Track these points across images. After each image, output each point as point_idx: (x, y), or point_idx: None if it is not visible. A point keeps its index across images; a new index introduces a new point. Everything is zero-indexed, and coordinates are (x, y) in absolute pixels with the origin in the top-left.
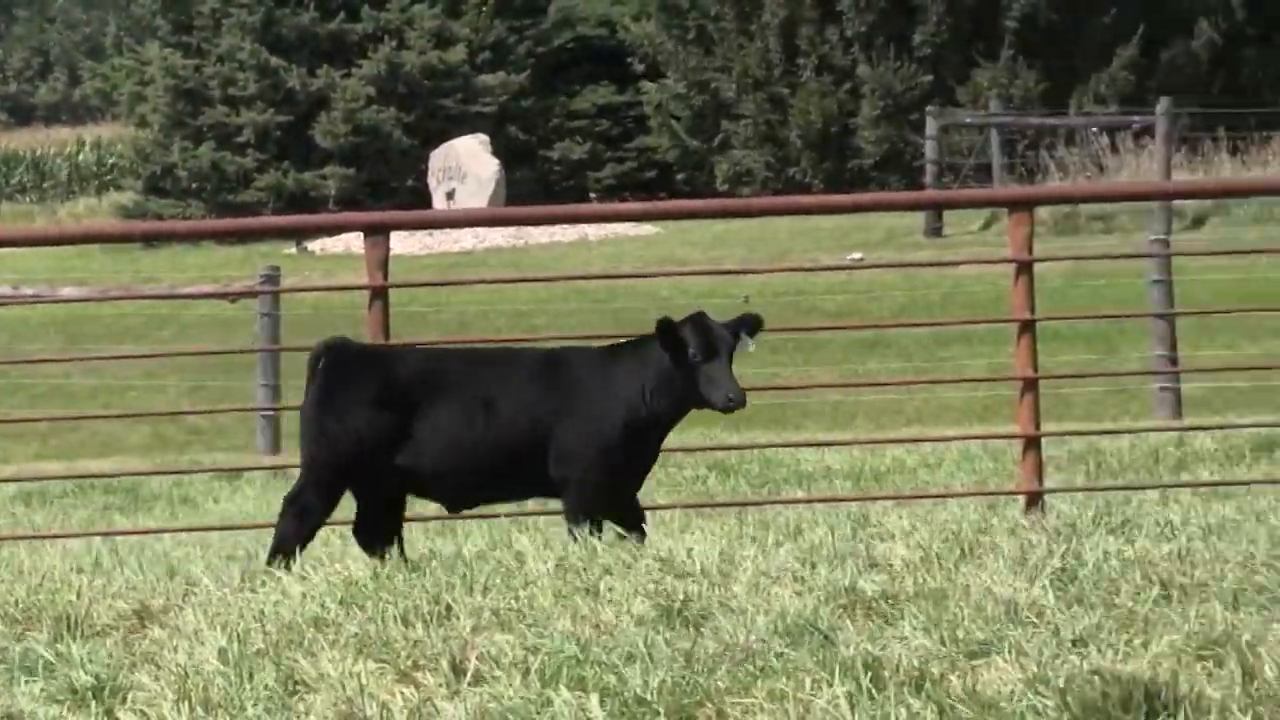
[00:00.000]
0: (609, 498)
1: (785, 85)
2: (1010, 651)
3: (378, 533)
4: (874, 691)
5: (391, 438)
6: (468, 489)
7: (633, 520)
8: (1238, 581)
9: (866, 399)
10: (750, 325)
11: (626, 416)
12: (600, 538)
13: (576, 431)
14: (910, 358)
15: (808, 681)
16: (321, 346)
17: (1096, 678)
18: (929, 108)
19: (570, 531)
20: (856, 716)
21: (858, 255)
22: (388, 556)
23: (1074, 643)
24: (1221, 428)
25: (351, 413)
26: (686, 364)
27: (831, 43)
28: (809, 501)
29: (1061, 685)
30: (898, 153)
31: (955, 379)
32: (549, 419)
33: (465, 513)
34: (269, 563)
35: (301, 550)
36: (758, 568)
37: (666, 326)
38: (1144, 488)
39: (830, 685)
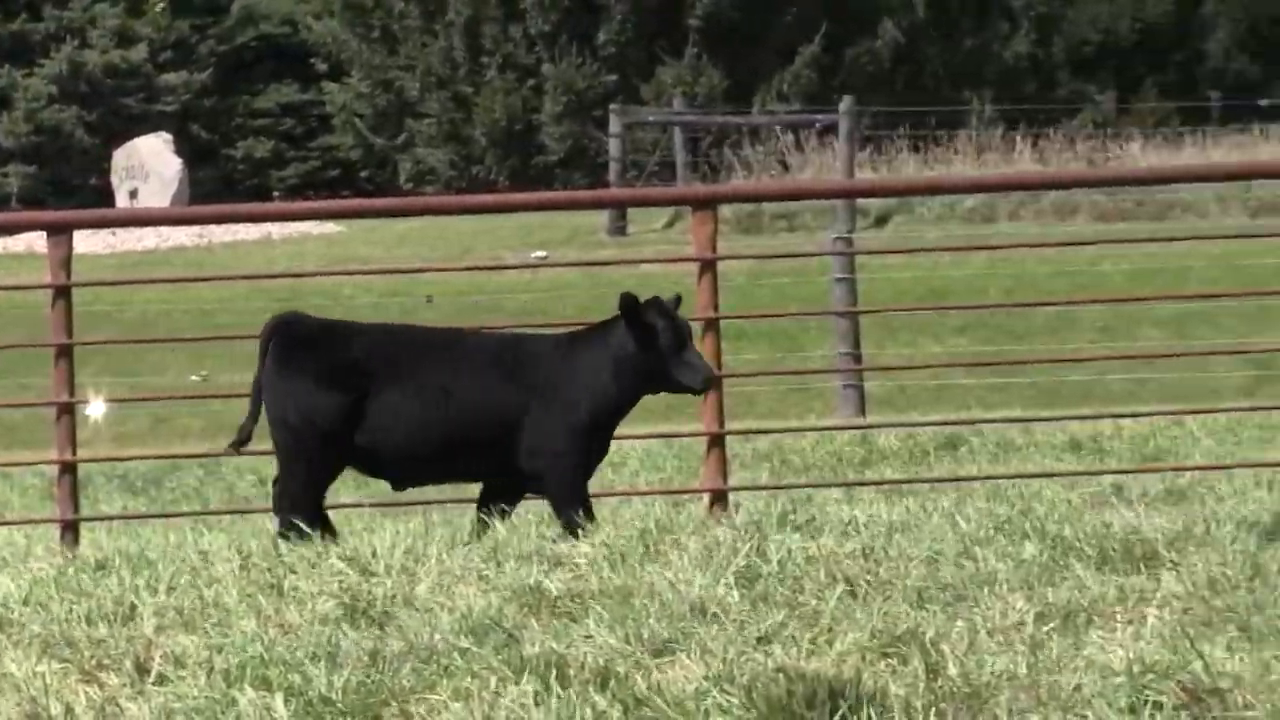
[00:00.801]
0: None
1: (469, 83)
2: (695, 649)
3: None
4: (559, 689)
5: (345, 415)
6: (419, 469)
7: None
8: (921, 579)
9: None
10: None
11: (593, 405)
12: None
13: (547, 422)
14: None
15: (493, 680)
16: (272, 322)
17: (781, 675)
18: (612, 106)
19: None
20: (542, 715)
21: (541, 254)
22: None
23: (759, 640)
24: (904, 425)
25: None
26: (656, 348)
27: (515, 41)
28: None
29: (746, 683)
30: (582, 150)
31: None
32: (515, 410)
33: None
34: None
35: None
36: (443, 566)
37: (632, 305)
38: (828, 485)
39: (516, 684)
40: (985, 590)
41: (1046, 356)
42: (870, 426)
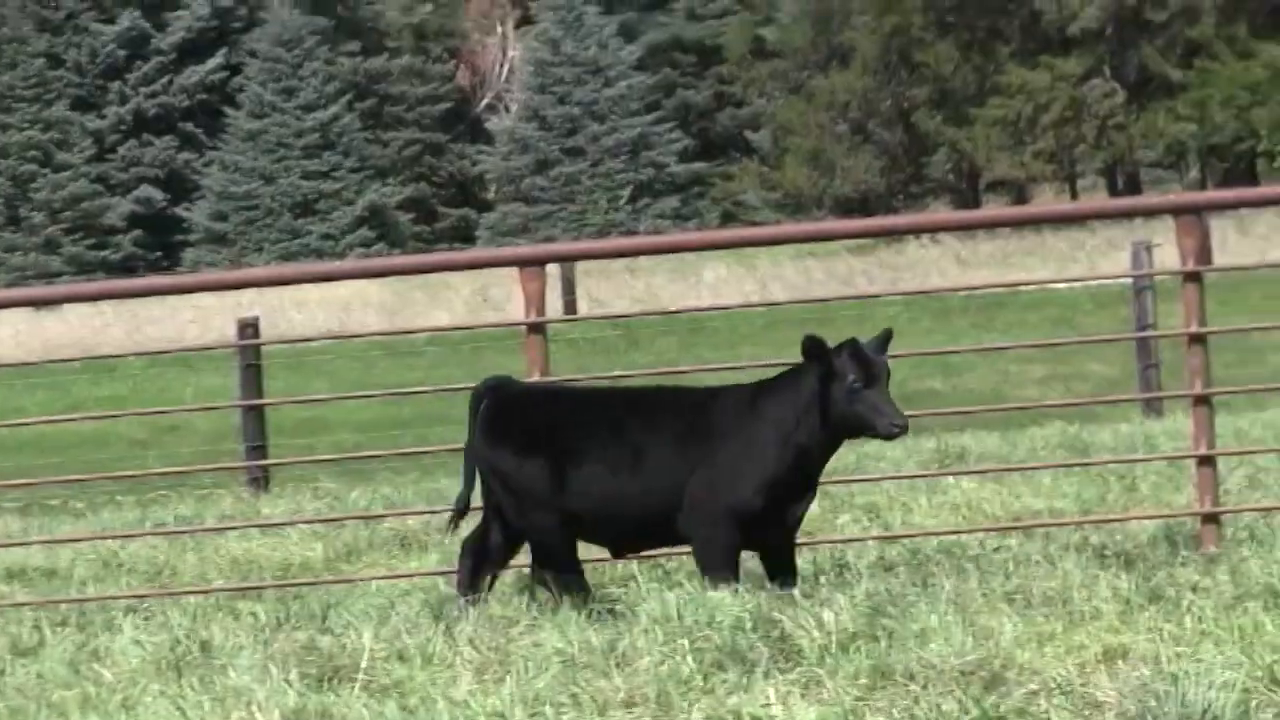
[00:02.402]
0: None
1: None
2: None
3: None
4: None
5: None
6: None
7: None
8: None
9: None
10: (887, 342)
11: (775, 457)
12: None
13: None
14: None
15: None
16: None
17: None
18: None
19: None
20: None
21: None
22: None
23: None
24: None
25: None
26: (846, 391)
27: None
28: None
29: None
30: None
31: None
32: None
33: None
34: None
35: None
36: None
37: (819, 349)
38: None
39: None
40: None
41: None
42: None
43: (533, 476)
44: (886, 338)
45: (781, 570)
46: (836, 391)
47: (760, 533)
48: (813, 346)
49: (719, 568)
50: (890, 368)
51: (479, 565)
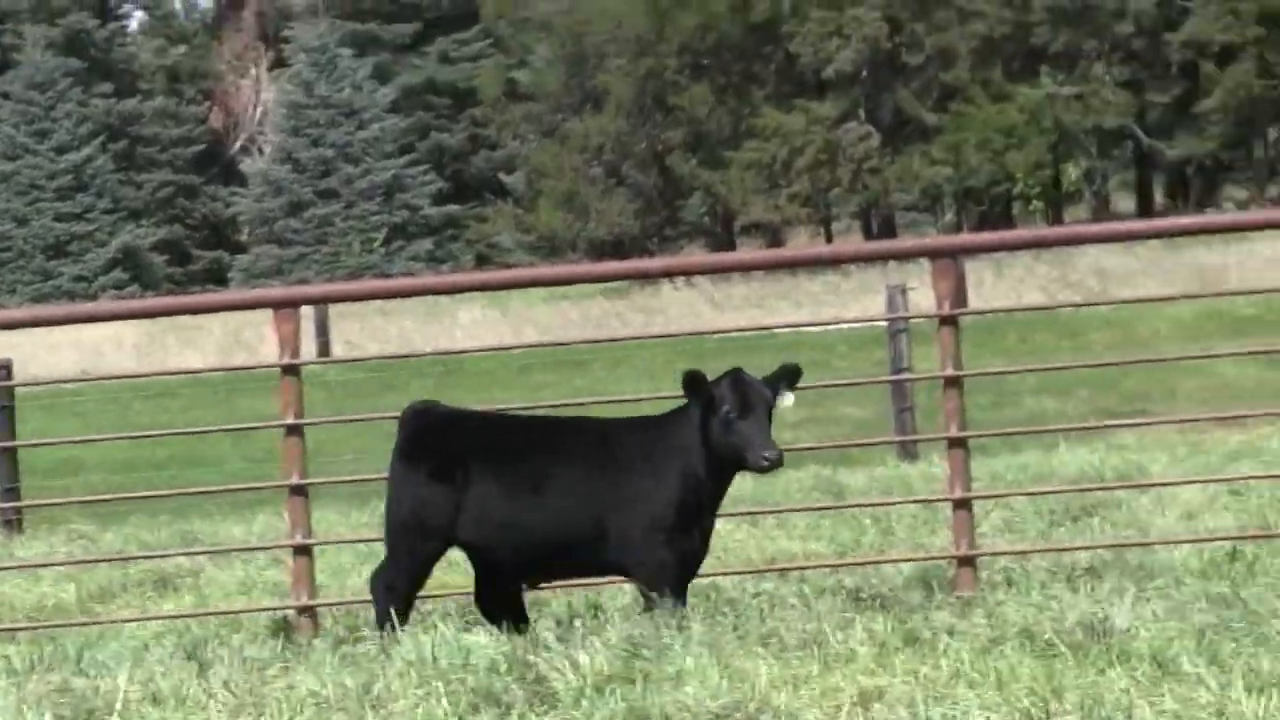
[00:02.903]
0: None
1: None
2: None
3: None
4: None
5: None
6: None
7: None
8: None
9: None
10: (790, 378)
11: (681, 490)
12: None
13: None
14: None
15: None
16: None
17: None
18: None
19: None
20: None
21: None
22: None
23: None
24: None
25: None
26: (721, 421)
27: None
28: None
29: None
30: None
31: None
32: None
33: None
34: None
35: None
36: None
37: (697, 381)
38: None
39: None
40: None
41: None
42: None
43: (436, 503)
44: (790, 372)
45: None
46: (714, 421)
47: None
48: (689, 379)
49: (667, 588)
50: (771, 401)
51: (491, 603)
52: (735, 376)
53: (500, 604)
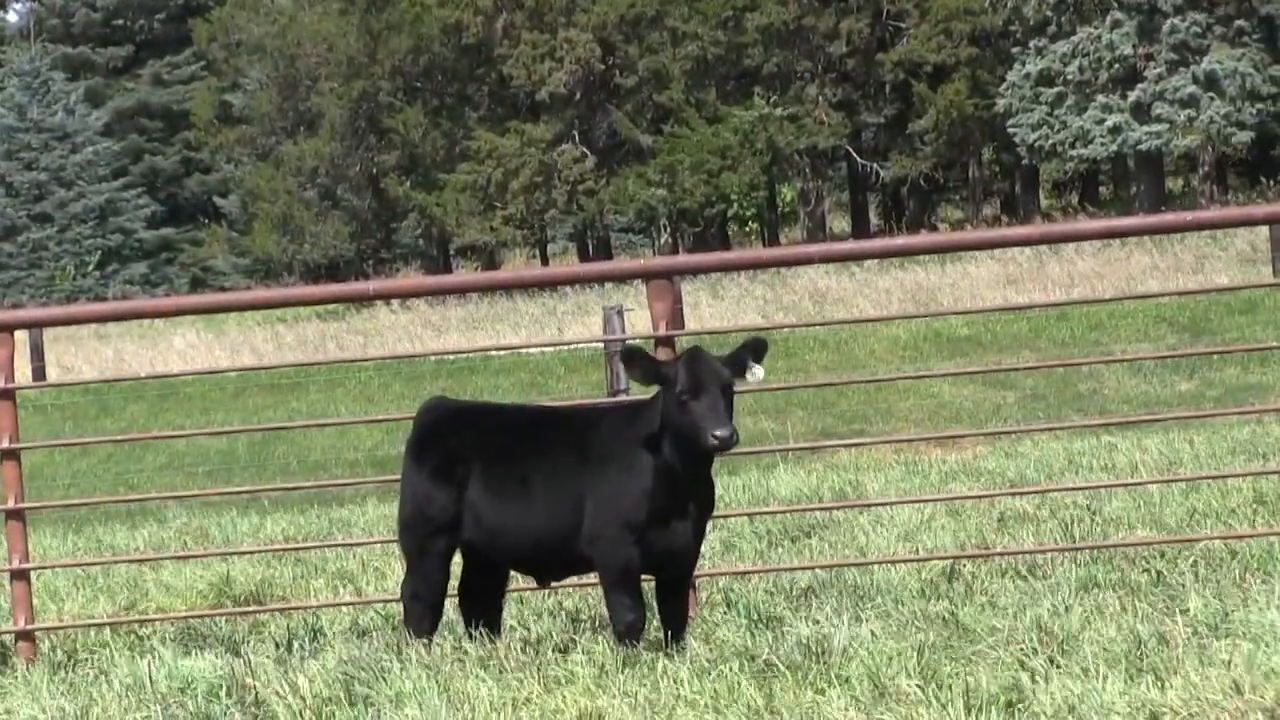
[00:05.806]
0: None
1: None
2: None
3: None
4: None
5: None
6: None
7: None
8: None
9: None
10: (755, 351)
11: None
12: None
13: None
14: None
15: None
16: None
17: None
18: None
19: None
20: None
21: None
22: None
23: None
24: None
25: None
26: (675, 401)
27: None
28: None
29: None
30: None
31: None
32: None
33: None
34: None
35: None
36: None
37: (633, 357)
38: None
39: None
40: None
41: None
42: None
43: (442, 499)
44: (755, 345)
45: (670, 611)
46: (669, 401)
47: (651, 558)
48: (626, 355)
49: (619, 589)
50: (729, 379)
51: (473, 607)
52: (691, 354)
53: (482, 601)
